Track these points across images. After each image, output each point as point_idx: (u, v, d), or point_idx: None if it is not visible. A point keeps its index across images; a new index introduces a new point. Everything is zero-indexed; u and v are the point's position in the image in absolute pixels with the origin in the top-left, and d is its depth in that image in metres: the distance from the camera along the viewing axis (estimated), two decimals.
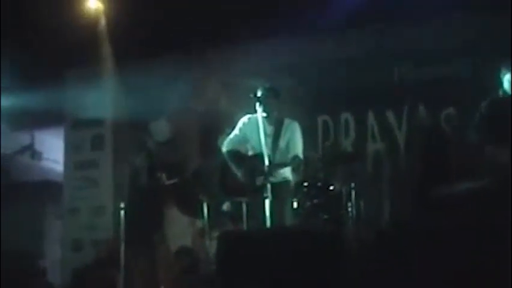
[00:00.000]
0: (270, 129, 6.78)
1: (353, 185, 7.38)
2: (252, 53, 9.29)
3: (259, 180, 6.46)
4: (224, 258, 5.37)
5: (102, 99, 10.18)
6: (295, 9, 8.64)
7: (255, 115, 6.71)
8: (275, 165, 6.59)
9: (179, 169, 9.23)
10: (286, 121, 6.94)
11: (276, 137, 6.78)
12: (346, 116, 8.88)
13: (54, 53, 9.81)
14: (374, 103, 8.67)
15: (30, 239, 11.26)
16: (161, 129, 9.54)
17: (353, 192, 7.33)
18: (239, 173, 6.80)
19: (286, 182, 6.83)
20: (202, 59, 9.65)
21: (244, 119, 7.02)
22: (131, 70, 9.76)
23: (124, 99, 9.98)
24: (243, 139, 7.00)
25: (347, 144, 8.85)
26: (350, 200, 7.32)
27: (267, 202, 6.26)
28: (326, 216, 7.39)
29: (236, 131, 7.07)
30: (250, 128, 6.88)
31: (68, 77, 10.64)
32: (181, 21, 9.13)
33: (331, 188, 7.58)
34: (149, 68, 9.81)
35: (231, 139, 7.08)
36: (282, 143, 6.79)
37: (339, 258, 5.36)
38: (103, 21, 9.52)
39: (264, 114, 6.63)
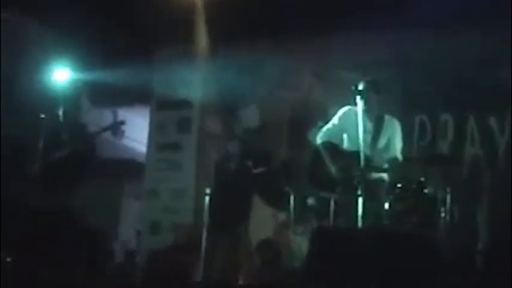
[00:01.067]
0: (370, 125, 6.77)
1: (448, 189, 7.35)
2: (350, 44, 9.25)
3: (354, 179, 6.45)
4: (316, 254, 5.43)
5: (191, 80, 10.32)
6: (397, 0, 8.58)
7: (355, 107, 6.70)
8: (373, 167, 6.59)
9: (266, 158, 9.32)
10: (387, 118, 6.93)
11: (375, 134, 6.78)
12: (445, 117, 8.77)
13: (145, 30, 9.96)
14: (476, 106, 8.52)
15: (108, 219, 11.51)
16: (251, 116, 9.65)
17: (448, 197, 7.30)
18: (333, 168, 6.80)
19: (380, 181, 6.82)
20: (299, 47, 9.65)
21: (344, 109, 7.03)
22: (224, 53, 9.85)
23: (215, 83, 10.09)
24: (340, 130, 7.01)
25: (444, 146, 8.74)
26: (444, 205, 7.29)
27: (360, 201, 6.28)
28: (418, 220, 7.39)
29: (334, 121, 7.08)
30: (349, 119, 6.87)
31: (157, 55, 10.75)
32: (279, 5, 9.16)
33: (425, 191, 7.58)
34: (242, 52, 9.78)
35: (327, 129, 7.10)
36: (381, 142, 6.79)
37: (430, 264, 5.37)
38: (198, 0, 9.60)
39: (365, 109, 6.63)
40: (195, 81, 10.31)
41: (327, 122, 7.32)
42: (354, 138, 6.66)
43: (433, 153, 8.50)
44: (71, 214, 8.07)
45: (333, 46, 9.39)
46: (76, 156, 7.44)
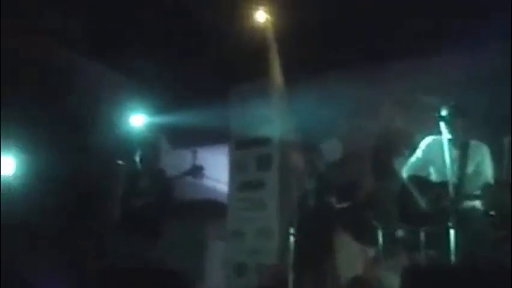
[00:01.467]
0: (456, 153, 6.50)
1: None
2: (430, 67, 9.06)
3: (444, 210, 6.19)
4: None
5: (269, 117, 10.29)
6: (476, 17, 8.35)
7: (439, 137, 6.45)
8: (464, 196, 6.32)
9: (350, 192, 9.13)
10: (473, 144, 6.63)
11: (462, 161, 6.47)
12: None
13: (220, 68, 9.95)
14: None
15: (192, 261, 11.48)
16: (332, 149, 9.48)
17: None
18: (422, 201, 6.53)
19: (472, 210, 6.52)
20: (376, 75, 9.52)
21: (428, 140, 6.77)
22: (300, 86, 9.81)
23: (293, 117, 10.02)
24: (425, 162, 6.73)
25: None
26: None
27: (452, 232, 6.03)
28: None
29: (418, 154, 6.81)
30: (434, 150, 6.61)
31: (233, 93, 10.74)
32: (352, 35, 9.04)
33: None
34: (318, 85, 9.79)
35: (412, 162, 6.83)
36: (469, 169, 6.47)
37: None
38: (270, 35, 9.51)
39: (450, 136, 6.38)
40: (273, 117, 10.26)
41: (412, 150, 7.06)
42: (441, 168, 6.41)
43: None
44: (154, 261, 8.05)
45: (413, 71, 9.21)
46: (156, 203, 7.39)
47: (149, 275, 7.55)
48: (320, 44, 9.17)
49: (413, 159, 6.83)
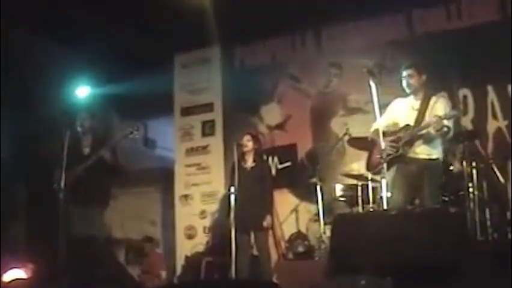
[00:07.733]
0: (417, 104, 6.58)
1: (474, 164, 7.13)
2: (366, 29, 9.16)
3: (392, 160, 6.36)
4: (339, 242, 5.24)
5: (211, 83, 10.29)
6: None
7: (404, 98, 6.64)
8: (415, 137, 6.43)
9: (291, 152, 9.18)
10: (433, 98, 6.64)
11: (421, 111, 6.53)
12: (464, 91, 8.51)
13: (162, 38, 9.86)
14: (494, 77, 8.26)
15: (145, 228, 11.52)
16: (272, 112, 9.55)
17: (475, 172, 7.09)
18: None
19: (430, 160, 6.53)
20: (314, 39, 9.62)
21: (394, 102, 6.82)
22: (240, 52, 9.98)
23: (233, 83, 10.05)
24: (391, 121, 6.75)
25: (466, 121, 8.48)
26: (472, 181, 7.07)
27: (384, 182, 6.11)
28: (445, 198, 7.16)
29: (386, 114, 6.79)
30: (398, 109, 6.74)
31: (175, 61, 10.69)
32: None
33: (451, 167, 7.36)
34: (258, 50, 9.93)
35: (380, 121, 6.55)
36: (426, 119, 6.45)
37: (461, 244, 5.12)
38: (210, 3, 9.43)
39: (411, 94, 6.57)
40: (215, 83, 10.26)
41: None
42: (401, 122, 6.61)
43: (456, 129, 8.14)
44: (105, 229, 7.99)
45: (349, 32, 9.31)
46: (99, 169, 7.28)
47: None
48: (260, 10, 9.11)
49: (381, 119, 6.62)
